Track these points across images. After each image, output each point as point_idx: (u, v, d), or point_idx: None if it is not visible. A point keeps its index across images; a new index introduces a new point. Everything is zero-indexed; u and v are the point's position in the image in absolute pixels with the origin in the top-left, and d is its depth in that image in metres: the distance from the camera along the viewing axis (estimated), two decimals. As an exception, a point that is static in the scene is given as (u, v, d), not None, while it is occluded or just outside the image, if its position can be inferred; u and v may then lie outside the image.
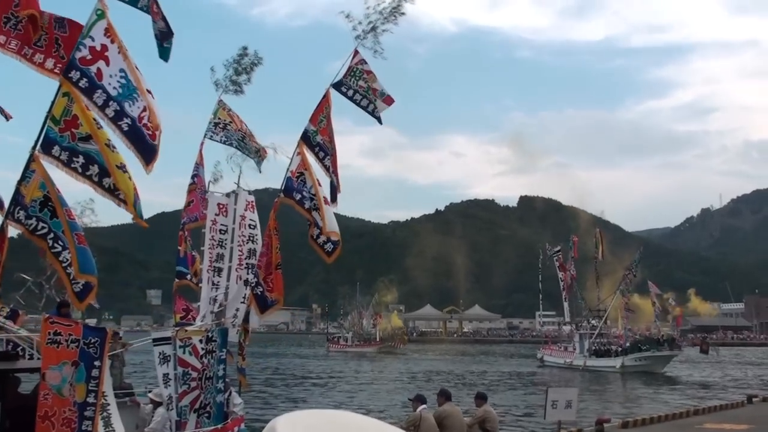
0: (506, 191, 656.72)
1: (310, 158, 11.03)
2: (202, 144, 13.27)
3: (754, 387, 42.46)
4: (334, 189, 11.25)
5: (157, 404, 10.96)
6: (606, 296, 69.76)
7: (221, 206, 12.34)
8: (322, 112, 11.12)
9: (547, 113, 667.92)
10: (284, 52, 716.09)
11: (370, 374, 56.29)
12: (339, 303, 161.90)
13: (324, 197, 10.90)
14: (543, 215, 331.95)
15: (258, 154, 12.93)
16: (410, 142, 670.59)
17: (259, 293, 10.91)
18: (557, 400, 15.45)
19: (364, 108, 11.34)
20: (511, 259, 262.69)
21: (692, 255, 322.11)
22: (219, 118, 12.82)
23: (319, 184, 10.91)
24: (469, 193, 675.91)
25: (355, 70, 11.10)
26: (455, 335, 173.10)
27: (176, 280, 13.85)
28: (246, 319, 11.46)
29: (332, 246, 11.00)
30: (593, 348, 65.15)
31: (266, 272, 10.86)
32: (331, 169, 11.22)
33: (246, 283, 11.51)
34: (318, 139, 11.05)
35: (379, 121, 11.50)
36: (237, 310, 11.50)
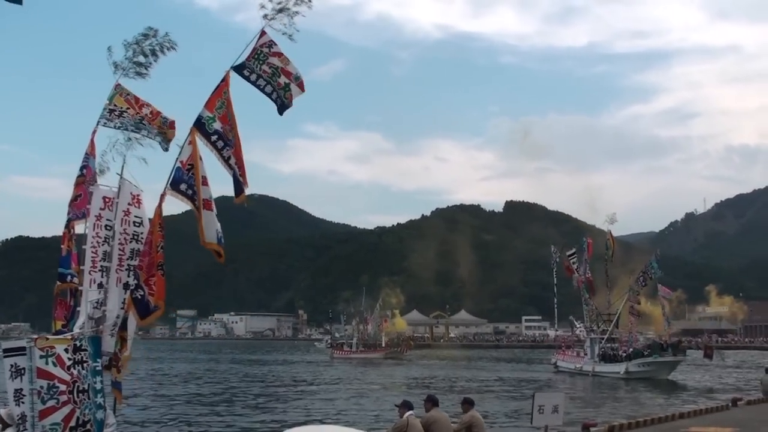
0: (492, 196, 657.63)
1: (204, 149, 9.92)
2: (94, 132, 12.03)
3: (749, 390, 42.38)
4: (240, 184, 10.04)
5: (6, 425, 9.62)
6: (615, 299, 68.36)
7: (107, 200, 11.22)
8: (220, 97, 9.94)
9: (531, 119, 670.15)
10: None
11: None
12: (339, 308, 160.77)
13: (205, 200, 9.64)
14: (529, 220, 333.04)
15: (162, 134, 11.65)
16: (396, 148, 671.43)
17: (140, 297, 9.72)
18: (544, 405, 15.44)
19: (268, 95, 10.26)
20: (497, 264, 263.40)
21: (677, 259, 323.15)
22: (115, 105, 11.64)
23: (204, 183, 9.69)
24: (454, 199, 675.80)
25: (259, 52, 10.06)
26: (441, 340, 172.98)
27: (57, 282, 12.33)
28: (123, 327, 10.32)
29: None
30: (601, 353, 64.09)
31: (147, 274, 9.69)
32: (234, 161, 10.02)
33: (126, 286, 10.44)
34: (215, 127, 9.86)
35: (281, 110, 10.45)
36: (117, 316, 10.46)
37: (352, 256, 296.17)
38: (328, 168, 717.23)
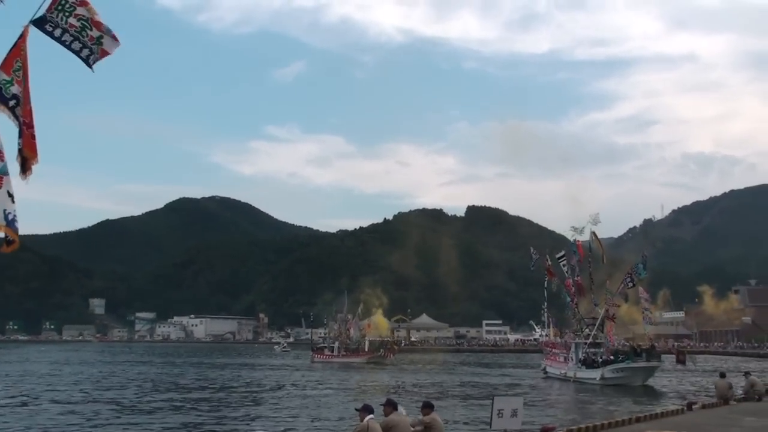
0: (453, 201, 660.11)
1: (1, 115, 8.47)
2: None
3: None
4: (26, 160, 8.43)
5: None
6: (602, 303, 65.84)
7: None
8: (18, 56, 8.48)
9: (491, 124, 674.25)
10: (230, 59, 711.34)
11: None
12: (301, 312, 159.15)
13: None
14: (490, 225, 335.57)
15: None
16: (358, 151, 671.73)
17: None
18: (503, 409, 15.50)
19: (77, 52, 8.80)
20: (458, 268, 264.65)
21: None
22: None
23: (1, 158, 8.30)
24: (416, 203, 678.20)
25: (63, 3, 8.57)
26: (403, 344, 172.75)
27: None
28: None
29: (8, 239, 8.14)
30: (582, 358, 62.64)
31: None
32: (25, 130, 8.53)
33: None
34: (12, 90, 8.44)
35: (90, 65, 8.87)
36: None
37: (314, 259, 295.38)
38: (290, 170, 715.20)
